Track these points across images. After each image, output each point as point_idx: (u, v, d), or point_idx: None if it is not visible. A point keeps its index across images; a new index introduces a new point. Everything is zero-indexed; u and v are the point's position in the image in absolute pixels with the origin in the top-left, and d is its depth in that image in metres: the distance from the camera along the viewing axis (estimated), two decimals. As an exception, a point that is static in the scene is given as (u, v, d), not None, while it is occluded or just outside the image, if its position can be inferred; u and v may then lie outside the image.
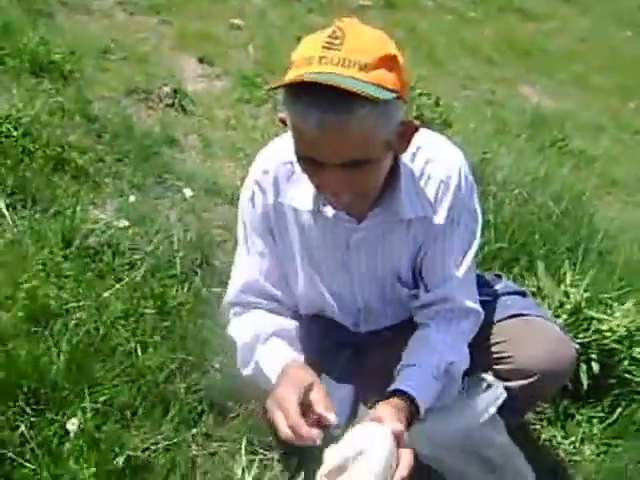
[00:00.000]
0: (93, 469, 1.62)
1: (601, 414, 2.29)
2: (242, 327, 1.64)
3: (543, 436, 2.23)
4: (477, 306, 1.67)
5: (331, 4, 6.89)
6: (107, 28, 4.89)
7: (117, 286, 2.17)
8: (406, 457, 1.32)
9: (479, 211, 1.65)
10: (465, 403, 1.58)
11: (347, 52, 1.24)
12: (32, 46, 3.60)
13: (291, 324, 1.66)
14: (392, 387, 1.50)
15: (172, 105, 3.84)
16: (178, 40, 4.96)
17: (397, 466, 1.30)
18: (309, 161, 1.35)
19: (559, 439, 2.23)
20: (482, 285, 1.78)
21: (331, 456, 1.26)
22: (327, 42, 1.25)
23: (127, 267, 2.30)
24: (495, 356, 1.72)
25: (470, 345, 1.67)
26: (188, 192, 2.91)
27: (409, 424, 1.44)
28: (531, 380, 1.67)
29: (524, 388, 1.68)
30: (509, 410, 1.71)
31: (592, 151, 5.03)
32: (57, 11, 4.81)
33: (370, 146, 1.31)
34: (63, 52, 3.76)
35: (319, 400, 1.34)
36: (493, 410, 1.57)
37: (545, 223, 2.73)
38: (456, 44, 6.91)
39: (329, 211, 1.56)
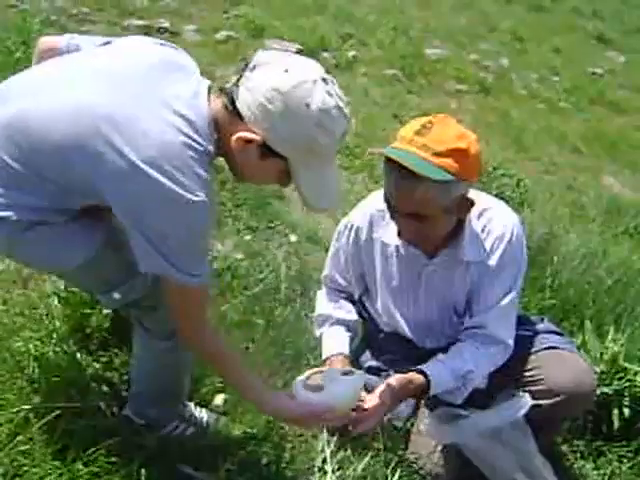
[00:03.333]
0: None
1: (630, 454, 2.63)
2: (322, 301, 2.37)
3: (575, 466, 2.59)
4: (509, 340, 2.12)
5: (430, 87, 7.34)
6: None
7: (234, 302, 2.71)
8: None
9: (524, 264, 2.13)
10: (498, 406, 2.02)
11: (429, 140, 1.81)
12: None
13: (354, 317, 2.32)
14: (418, 367, 2.03)
15: (282, 166, 4.41)
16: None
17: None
18: (390, 206, 1.92)
19: (589, 470, 2.59)
20: (526, 323, 2.25)
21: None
22: (418, 129, 1.83)
23: (242, 288, 2.85)
24: (529, 379, 2.16)
25: (509, 369, 2.12)
26: (293, 237, 3.50)
27: (416, 396, 2.08)
28: (558, 399, 2.09)
29: (552, 406, 2.11)
30: (540, 428, 2.14)
31: (666, 242, 5.31)
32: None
33: (427, 208, 1.87)
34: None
35: None
36: (521, 412, 1.99)
37: (597, 290, 3.14)
38: (544, 132, 7.13)
39: (406, 249, 2.08)
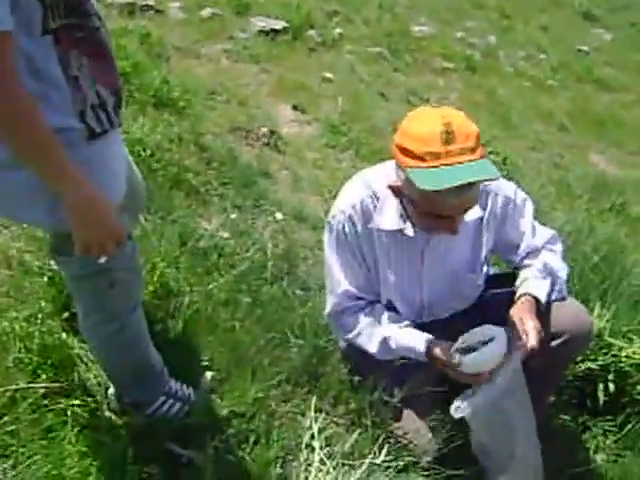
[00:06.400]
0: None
1: (614, 428, 2.66)
2: (355, 324, 2.21)
3: (561, 440, 2.61)
4: (548, 232, 2.30)
5: (416, 64, 7.31)
6: (213, 72, 5.44)
7: (220, 280, 2.70)
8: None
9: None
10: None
11: (460, 142, 1.82)
12: (156, 84, 4.23)
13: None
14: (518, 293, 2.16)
15: (268, 144, 4.38)
16: (275, 88, 5.47)
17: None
18: (437, 216, 1.93)
19: (574, 445, 2.61)
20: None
21: (462, 339, 1.98)
22: (445, 138, 1.81)
23: (229, 267, 2.84)
24: None
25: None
26: (279, 216, 3.47)
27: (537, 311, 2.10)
28: (563, 339, 2.17)
29: (559, 347, 2.17)
30: (541, 382, 2.18)
31: (650, 217, 5.34)
32: (172, 55, 5.44)
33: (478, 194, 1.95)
34: (178, 91, 4.37)
35: None
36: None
37: (583, 267, 3.14)
38: (531, 109, 7.13)
39: (409, 230, 2.07)
